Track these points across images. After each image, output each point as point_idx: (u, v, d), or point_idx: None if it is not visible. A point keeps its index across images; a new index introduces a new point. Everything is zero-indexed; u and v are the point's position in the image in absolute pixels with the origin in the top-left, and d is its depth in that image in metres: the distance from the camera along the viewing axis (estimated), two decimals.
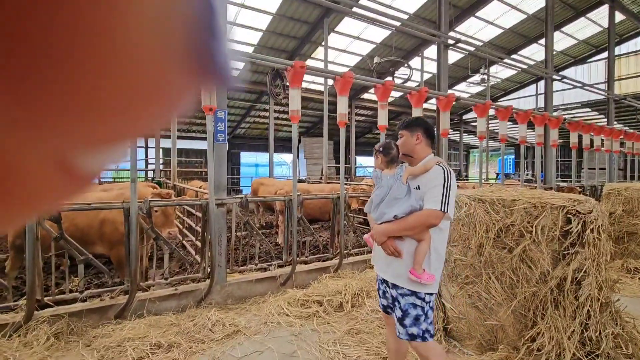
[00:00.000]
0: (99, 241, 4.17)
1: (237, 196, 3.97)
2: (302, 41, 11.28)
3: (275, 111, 17.36)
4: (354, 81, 4.57)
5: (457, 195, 2.69)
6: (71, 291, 3.34)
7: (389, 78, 13.44)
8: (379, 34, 11.83)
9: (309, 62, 12.95)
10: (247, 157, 22.59)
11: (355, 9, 6.20)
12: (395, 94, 17.23)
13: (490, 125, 19.79)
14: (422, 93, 5.11)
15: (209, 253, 3.76)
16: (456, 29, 11.98)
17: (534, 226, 2.20)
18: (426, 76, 14.63)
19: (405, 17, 11.12)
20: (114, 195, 4.67)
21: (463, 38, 12.56)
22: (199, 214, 4.69)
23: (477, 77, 14.44)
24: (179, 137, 18.03)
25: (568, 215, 2.20)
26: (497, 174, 16.77)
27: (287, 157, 25.31)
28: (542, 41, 10.15)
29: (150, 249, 4.39)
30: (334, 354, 2.51)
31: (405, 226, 1.82)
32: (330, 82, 12.31)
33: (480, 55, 8.36)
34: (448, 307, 2.69)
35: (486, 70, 12.20)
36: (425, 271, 1.82)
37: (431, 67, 14.50)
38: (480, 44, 13.19)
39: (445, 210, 1.78)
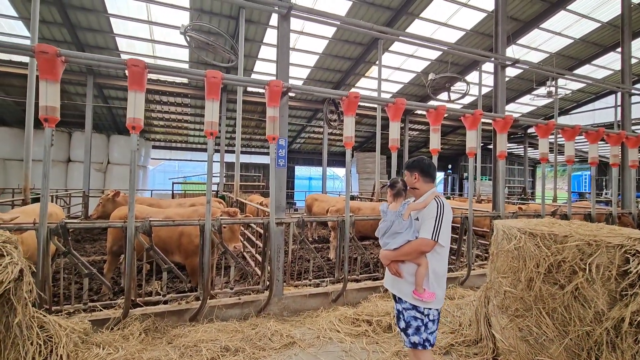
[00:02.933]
0: (177, 251, 4.82)
1: (294, 215, 4.33)
2: (356, 62, 11.68)
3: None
4: (408, 107, 4.74)
5: (508, 228, 2.73)
6: (155, 294, 3.93)
7: (445, 93, 13.20)
8: (434, 52, 11.77)
9: (363, 81, 13.28)
10: (301, 171, 23.46)
11: (402, 37, 6.36)
12: (452, 106, 16.79)
13: (559, 139, 18.22)
14: (477, 116, 5.08)
15: (269, 267, 4.15)
16: (519, 41, 11.45)
17: (587, 264, 2.19)
18: (485, 90, 14.08)
19: (462, 34, 10.95)
20: (189, 211, 5.35)
21: (525, 52, 11.98)
22: (259, 229, 5.18)
23: (543, 90, 13.52)
24: (241, 152, 19.39)
25: (626, 255, 2.15)
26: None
27: (340, 171, 25.73)
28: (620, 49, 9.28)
29: (218, 260, 4.94)
30: None
31: (402, 253, 2.19)
32: (384, 94, 12.45)
33: (542, 73, 7.95)
34: (498, 339, 2.71)
35: (553, 83, 11.41)
36: (426, 290, 2.14)
37: (491, 80, 13.92)
38: (546, 55, 12.40)
39: (436, 240, 2.10)
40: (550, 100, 15.17)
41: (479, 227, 7.24)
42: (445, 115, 4.96)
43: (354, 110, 4.41)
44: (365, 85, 13.49)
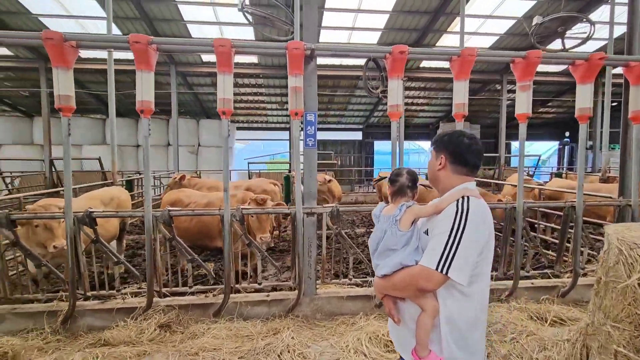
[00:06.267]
0: (218, 237, 4.67)
1: (327, 205, 3.67)
2: (434, 16, 9.85)
3: (407, 97, 16.21)
4: (483, 58, 3.51)
5: (630, 242, 1.58)
6: (183, 285, 3.80)
7: (557, 42, 10.34)
8: None
9: (445, 39, 11.33)
10: (381, 146, 22.15)
11: None
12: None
13: None
14: (594, 62, 3.49)
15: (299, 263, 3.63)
16: None
17: None
18: (620, 31, 10.53)
19: None
20: (237, 197, 5.15)
21: None
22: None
23: None
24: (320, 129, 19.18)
25: None
26: None
27: (425, 144, 23.54)
28: None
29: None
30: None
31: (392, 285, 1.34)
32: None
33: None
34: None
35: None
36: (433, 353, 1.29)
37: (624, 18, 10.33)
38: None
39: (444, 272, 1.20)
40: None
41: (597, 217, 5.41)
42: (539, 66, 3.53)
43: (401, 71, 3.41)
44: (448, 43, 11.47)
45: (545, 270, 4.39)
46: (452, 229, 1.21)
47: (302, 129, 3.61)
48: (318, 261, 3.86)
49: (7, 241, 3.34)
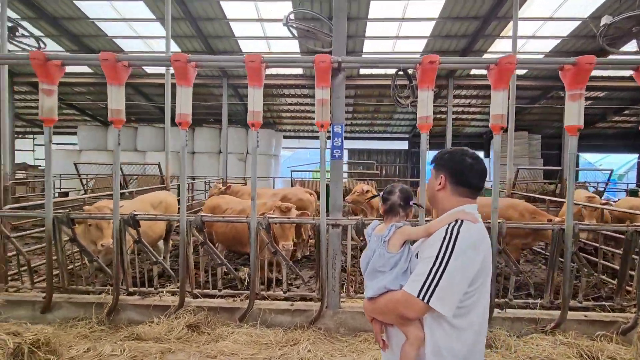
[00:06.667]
0: (249, 243, 4.85)
1: (352, 217, 3.63)
2: (484, 20, 9.32)
3: (457, 105, 15.48)
4: (533, 65, 3.25)
5: None
6: (214, 287, 3.99)
7: (632, 43, 9.24)
8: None
9: (498, 44, 10.71)
10: (429, 155, 21.29)
11: None
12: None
13: None
14: None
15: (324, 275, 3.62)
16: None
17: None
18: None
19: None
20: (267, 205, 5.31)
21: None
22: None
23: None
24: (362, 138, 19.08)
25: None
26: None
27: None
28: None
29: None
30: None
31: (377, 309, 1.29)
32: (532, 56, 9.39)
33: None
34: None
35: None
36: None
37: None
38: None
39: (426, 300, 1.12)
40: None
41: None
42: (612, 71, 3.18)
43: (431, 81, 3.30)
44: (501, 49, 10.75)
45: (603, 302, 3.87)
46: (438, 254, 1.14)
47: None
48: (343, 274, 3.81)
49: (67, 237, 3.80)
